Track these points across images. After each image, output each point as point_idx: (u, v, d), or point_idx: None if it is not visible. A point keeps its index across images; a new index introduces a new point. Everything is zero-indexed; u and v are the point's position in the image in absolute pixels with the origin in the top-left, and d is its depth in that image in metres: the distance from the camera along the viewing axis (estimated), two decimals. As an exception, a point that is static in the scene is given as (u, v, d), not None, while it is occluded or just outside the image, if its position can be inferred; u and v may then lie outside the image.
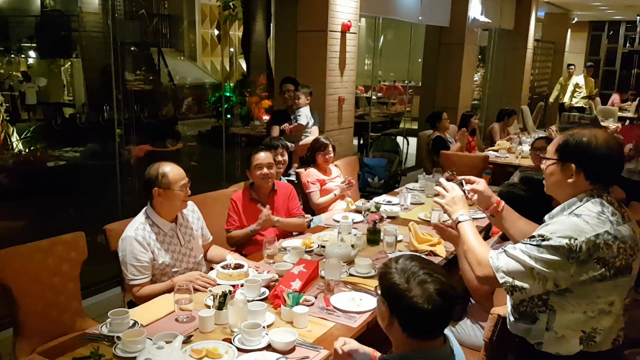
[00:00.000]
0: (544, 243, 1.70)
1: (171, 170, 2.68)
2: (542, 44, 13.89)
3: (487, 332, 2.15)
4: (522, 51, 11.12)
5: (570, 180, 1.81)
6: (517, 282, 1.75)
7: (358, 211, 3.95)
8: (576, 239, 1.67)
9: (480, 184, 2.19)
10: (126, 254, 2.60)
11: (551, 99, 12.77)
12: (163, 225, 2.73)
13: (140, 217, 2.72)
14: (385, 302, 1.56)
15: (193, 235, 2.88)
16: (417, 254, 1.64)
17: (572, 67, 12.39)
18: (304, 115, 5.20)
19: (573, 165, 1.80)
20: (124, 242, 2.63)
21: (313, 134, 5.23)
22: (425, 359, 1.54)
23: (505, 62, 11.14)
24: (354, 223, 3.53)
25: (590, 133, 1.79)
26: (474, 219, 2.08)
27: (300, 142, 5.20)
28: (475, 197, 2.16)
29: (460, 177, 2.22)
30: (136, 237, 2.61)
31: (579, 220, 1.72)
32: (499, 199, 2.18)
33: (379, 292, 1.59)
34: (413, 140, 8.47)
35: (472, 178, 2.23)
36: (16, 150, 5.18)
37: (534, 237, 1.75)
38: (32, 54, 6.70)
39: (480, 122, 8.17)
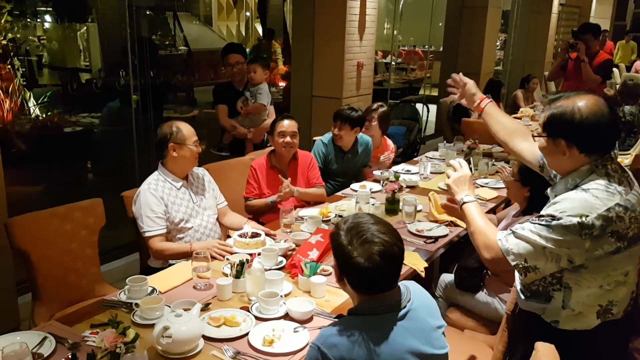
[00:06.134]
0: (554, 223, 1.64)
1: (184, 126, 2.76)
2: (567, 8, 13.42)
3: (510, 305, 2.11)
4: (546, 15, 10.74)
5: (564, 156, 1.72)
6: (530, 263, 1.70)
7: (376, 180, 3.88)
8: (588, 216, 1.61)
9: (469, 83, 2.27)
10: (141, 206, 2.66)
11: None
12: (175, 181, 2.79)
13: (153, 175, 2.79)
14: (335, 260, 1.62)
15: (205, 195, 2.92)
16: (372, 214, 1.65)
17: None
18: (265, 93, 4.32)
19: (563, 141, 1.71)
20: (138, 196, 2.69)
21: (271, 115, 4.38)
22: (376, 308, 1.56)
23: (528, 26, 10.79)
24: (372, 192, 3.48)
25: (573, 103, 1.68)
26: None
27: (261, 125, 4.33)
28: (459, 93, 2.28)
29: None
30: (149, 189, 2.68)
31: (588, 195, 1.64)
32: (483, 95, 2.23)
33: (333, 251, 1.64)
34: (433, 108, 8.32)
35: (462, 79, 2.30)
36: (33, 116, 5.17)
37: (542, 216, 1.69)
38: (48, 18, 6.64)
39: (503, 89, 7.95)
